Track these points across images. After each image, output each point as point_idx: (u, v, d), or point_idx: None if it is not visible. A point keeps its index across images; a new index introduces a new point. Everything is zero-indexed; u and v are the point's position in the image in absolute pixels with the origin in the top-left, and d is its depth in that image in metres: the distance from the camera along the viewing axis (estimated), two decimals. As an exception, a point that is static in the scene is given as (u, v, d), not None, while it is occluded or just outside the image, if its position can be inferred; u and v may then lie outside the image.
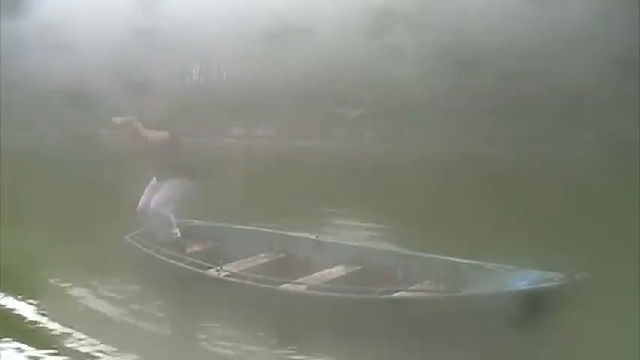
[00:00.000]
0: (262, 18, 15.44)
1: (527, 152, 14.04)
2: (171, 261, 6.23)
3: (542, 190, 10.53)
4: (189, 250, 6.71)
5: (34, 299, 6.02)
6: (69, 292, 6.26)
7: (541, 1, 13.62)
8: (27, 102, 15.85)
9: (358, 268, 5.89)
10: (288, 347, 4.88)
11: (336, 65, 15.63)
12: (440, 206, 9.39)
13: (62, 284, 6.46)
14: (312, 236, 6.60)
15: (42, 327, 5.47)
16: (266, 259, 6.47)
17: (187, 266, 6.13)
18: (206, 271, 5.98)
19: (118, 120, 6.70)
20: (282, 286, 5.53)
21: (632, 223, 7.34)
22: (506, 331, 4.15)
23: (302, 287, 5.49)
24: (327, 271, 5.91)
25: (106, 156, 12.75)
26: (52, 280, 6.51)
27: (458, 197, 9.86)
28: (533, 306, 4.13)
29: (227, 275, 5.91)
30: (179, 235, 6.81)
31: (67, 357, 4.93)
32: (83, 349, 4.99)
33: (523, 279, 4.77)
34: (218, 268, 6.04)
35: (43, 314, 5.70)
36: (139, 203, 6.90)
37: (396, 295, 5.03)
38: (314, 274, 5.87)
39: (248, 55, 16.39)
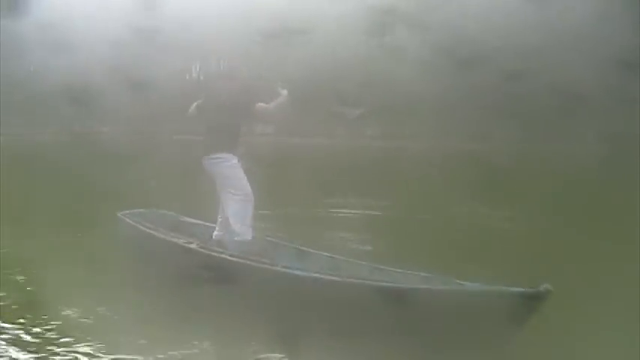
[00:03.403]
0: (263, 16, 15.50)
1: (526, 149, 14.08)
2: (161, 236, 6.43)
3: (537, 187, 10.53)
4: None
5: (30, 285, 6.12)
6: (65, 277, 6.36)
7: (541, 1, 13.64)
8: (27, 100, 16.00)
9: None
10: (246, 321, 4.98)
11: (336, 64, 15.67)
12: (434, 204, 9.42)
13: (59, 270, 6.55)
14: (296, 245, 6.69)
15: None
16: None
17: (173, 239, 6.32)
18: (189, 245, 6.17)
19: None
20: (260, 265, 5.65)
21: (631, 222, 7.31)
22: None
23: (277, 268, 5.62)
24: None
25: (107, 151, 12.90)
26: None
27: (454, 194, 9.87)
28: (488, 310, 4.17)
29: (204, 249, 6.06)
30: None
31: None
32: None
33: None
34: (199, 243, 6.22)
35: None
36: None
37: (361, 281, 5.14)
38: None
39: (248, 53, 16.44)
